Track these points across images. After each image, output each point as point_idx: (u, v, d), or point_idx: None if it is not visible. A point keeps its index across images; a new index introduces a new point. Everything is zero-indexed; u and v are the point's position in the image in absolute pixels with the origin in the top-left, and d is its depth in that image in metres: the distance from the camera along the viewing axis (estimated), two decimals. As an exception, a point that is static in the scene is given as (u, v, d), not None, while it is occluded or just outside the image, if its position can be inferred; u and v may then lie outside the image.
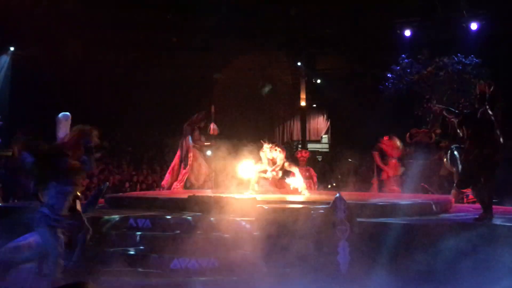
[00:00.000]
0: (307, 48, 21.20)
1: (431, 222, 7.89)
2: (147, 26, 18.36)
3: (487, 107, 7.42)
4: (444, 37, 17.18)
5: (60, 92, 16.80)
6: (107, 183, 11.66)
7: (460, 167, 8.62)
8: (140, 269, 7.16)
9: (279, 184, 11.07)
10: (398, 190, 12.69)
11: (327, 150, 23.05)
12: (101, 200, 9.70)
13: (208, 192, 10.53)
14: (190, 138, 11.94)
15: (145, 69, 19.17)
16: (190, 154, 11.95)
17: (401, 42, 18.05)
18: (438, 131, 14.04)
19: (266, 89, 20.12)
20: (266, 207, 8.19)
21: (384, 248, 6.75)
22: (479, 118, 7.41)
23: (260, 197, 9.39)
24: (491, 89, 7.52)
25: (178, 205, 9.01)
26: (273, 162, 10.76)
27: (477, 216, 7.64)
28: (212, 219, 7.95)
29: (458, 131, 7.67)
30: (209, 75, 20.22)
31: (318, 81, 22.40)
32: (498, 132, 7.41)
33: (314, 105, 23.30)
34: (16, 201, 10.96)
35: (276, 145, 10.90)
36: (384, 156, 13.34)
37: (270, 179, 10.93)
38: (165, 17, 18.52)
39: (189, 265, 7.17)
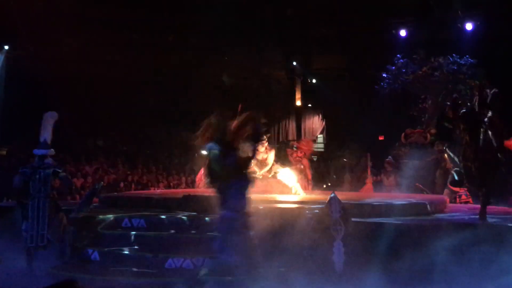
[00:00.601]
0: (302, 48, 21.19)
1: (426, 222, 7.91)
2: (142, 25, 18.32)
3: (487, 108, 7.48)
4: (439, 37, 17.19)
5: (55, 91, 16.72)
6: (102, 182, 11.66)
7: (454, 167, 8.64)
8: (134, 269, 7.14)
9: (269, 186, 11.00)
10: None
11: (322, 150, 23.05)
12: (96, 199, 9.68)
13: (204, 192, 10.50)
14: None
15: (140, 68, 19.12)
16: None
17: (396, 42, 18.08)
18: (433, 131, 14.09)
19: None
20: (261, 207, 8.18)
21: (379, 248, 6.75)
22: (479, 119, 7.47)
23: (254, 196, 9.37)
24: (492, 91, 7.57)
25: (173, 204, 8.99)
26: (261, 162, 10.69)
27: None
28: (207, 218, 7.94)
29: (457, 129, 7.71)
30: (204, 75, 20.17)
31: (314, 81, 22.39)
32: (497, 133, 7.45)
33: (310, 105, 23.28)
34: (10, 200, 10.91)
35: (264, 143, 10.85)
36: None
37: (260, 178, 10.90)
38: (160, 16, 18.49)
39: (184, 264, 7.15)
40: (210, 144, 5.78)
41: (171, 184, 16.67)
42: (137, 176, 16.34)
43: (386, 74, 17.58)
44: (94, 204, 9.61)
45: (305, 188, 11.74)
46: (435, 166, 12.78)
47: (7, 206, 9.43)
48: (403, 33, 18.00)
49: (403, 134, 16.33)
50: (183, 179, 17.02)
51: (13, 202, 9.62)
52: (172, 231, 7.86)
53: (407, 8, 17.70)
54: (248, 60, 19.82)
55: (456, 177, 8.11)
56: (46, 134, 7.82)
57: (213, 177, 5.73)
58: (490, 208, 8.15)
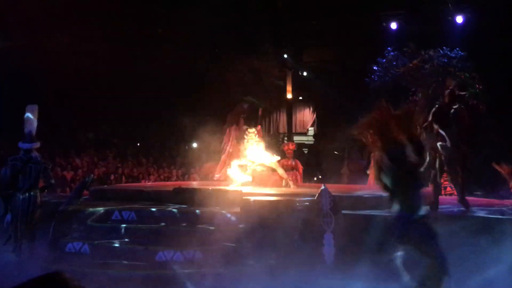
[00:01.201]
0: (293, 41, 21.17)
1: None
2: (133, 18, 18.23)
3: (456, 102, 7.71)
4: (430, 30, 17.21)
5: (44, 84, 16.63)
6: (92, 175, 11.61)
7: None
8: (125, 262, 7.13)
9: (260, 179, 11.03)
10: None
11: (313, 142, 23.09)
12: (86, 192, 9.66)
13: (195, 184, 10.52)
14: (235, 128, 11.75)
15: (131, 61, 19.03)
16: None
17: (387, 35, 18.08)
18: (424, 123, 14.12)
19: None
20: (252, 200, 8.19)
21: (369, 240, 6.77)
22: (447, 111, 7.68)
23: (245, 189, 9.40)
24: (459, 86, 7.78)
25: (164, 197, 8.99)
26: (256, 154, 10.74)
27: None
28: (197, 211, 7.94)
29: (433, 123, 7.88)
30: (195, 69, 20.12)
31: (305, 73, 22.39)
32: (463, 127, 7.66)
33: (301, 98, 23.29)
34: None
35: (256, 133, 10.87)
36: None
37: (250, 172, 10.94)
38: (151, 9, 18.40)
39: (175, 257, 7.15)
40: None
41: (162, 176, 16.65)
42: (127, 169, 16.30)
43: (377, 67, 17.59)
44: (85, 197, 9.59)
45: (296, 181, 11.78)
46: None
47: None
48: (393, 26, 18.00)
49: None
50: (174, 172, 17.00)
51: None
52: (163, 224, 7.85)
53: (398, 1, 17.72)
54: (239, 52, 19.78)
55: None
56: (31, 126, 7.76)
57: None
58: (479, 200, 8.23)
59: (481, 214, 7.69)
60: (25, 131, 7.74)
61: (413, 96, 17.53)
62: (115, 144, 18.81)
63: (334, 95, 19.85)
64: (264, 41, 19.99)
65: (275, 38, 20.23)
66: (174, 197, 8.72)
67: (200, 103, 17.78)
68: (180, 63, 19.49)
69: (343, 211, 7.12)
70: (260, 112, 12.58)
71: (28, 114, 7.84)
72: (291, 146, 13.19)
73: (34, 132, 7.79)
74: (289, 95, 21.97)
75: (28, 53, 16.71)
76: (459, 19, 16.97)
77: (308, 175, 15.39)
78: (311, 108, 23.58)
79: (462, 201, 7.98)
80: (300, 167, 12.93)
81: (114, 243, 7.55)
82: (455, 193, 10.79)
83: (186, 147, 18.79)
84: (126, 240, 7.62)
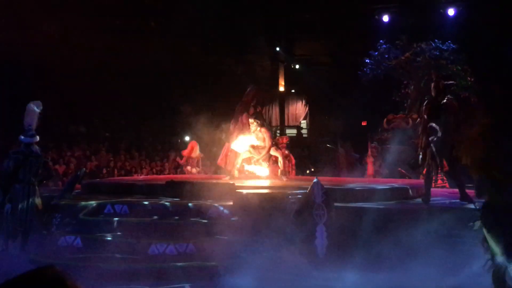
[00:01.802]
0: (286, 34, 21.15)
1: (408, 207, 7.99)
2: (124, 11, 18.13)
3: (443, 93, 7.82)
4: (422, 23, 17.25)
5: (36, 77, 16.53)
6: (84, 168, 11.59)
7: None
8: (118, 255, 7.12)
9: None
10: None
11: (305, 135, 23.12)
12: (78, 186, 9.64)
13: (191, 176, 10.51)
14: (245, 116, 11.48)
15: (123, 54, 18.95)
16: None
17: (379, 28, 18.09)
18: (415, 116, 14.19)
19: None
20: (244, 192, 8.20)
21: (361, 232, 6.80)
22: (436, 104, 7.78)
23: (238, 182, 9.40)
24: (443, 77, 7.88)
25: (156, 190, 8.98)
26: (259, 148, 10.73)
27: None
28: (190, 204, 7.94)
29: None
30: (185, 62, 20.06)
31: (297, 66, 22.39)
32: (452, 118, 7.73)
33: (293, 91, 23.31)
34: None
35: (260, 124, 10.87)
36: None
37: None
38: (143, 1, 18.31)
39: (167, 250, 7.15)
40: None
41: (154, 170, 16.63)
42: (120, 162, 16.26)
43: (369, 59, 17.62)
44: (77, 191, 9.57)
45: (288, 174, 11.81)
46: (416, 150, 12.92)
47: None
48: (385, 18, 18.02)
49: (385, 120, 16.46)
50: (166, 165, 16.98)
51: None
52: (155, 217, 7.84)
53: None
54: (231, 45, 19.74)
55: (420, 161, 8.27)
56: (31, 121, 7.77)
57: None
58: (471, 192, 8.26)
59: (472, 206, 7.73)
60: (24, 122, 7.75)
61: (405, 89, 17.59)
62: (107, 138, 18.75)
63: (326, 88, 19.88)
64: (256, 34, 19.95)
65: (267, 31, 20.20)
66: (166, 190, 8.72)
67: (193, 96, 17.74)
68: (173, 56, 19.43)
69: (336, 204, 7.13)
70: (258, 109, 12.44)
71: (32, 106, 7.85)
72: (285, 139, 13.24)
73: (34, 126, 7.80)
74: (282, 88, 21.99)
75: (18, 45, 16.60)
76: (451, 11, 17.02)
77: (300, 168, 15.41)
78: (303, 101, 23.61)
79: (464, 198, 7.84)
80: (293, 159, 12.99)
81: (107, 236, 7.53)
82: (447, 185, 10.86)
83: (179, 140, 18.77)
84: (118, 233, 7.60)
